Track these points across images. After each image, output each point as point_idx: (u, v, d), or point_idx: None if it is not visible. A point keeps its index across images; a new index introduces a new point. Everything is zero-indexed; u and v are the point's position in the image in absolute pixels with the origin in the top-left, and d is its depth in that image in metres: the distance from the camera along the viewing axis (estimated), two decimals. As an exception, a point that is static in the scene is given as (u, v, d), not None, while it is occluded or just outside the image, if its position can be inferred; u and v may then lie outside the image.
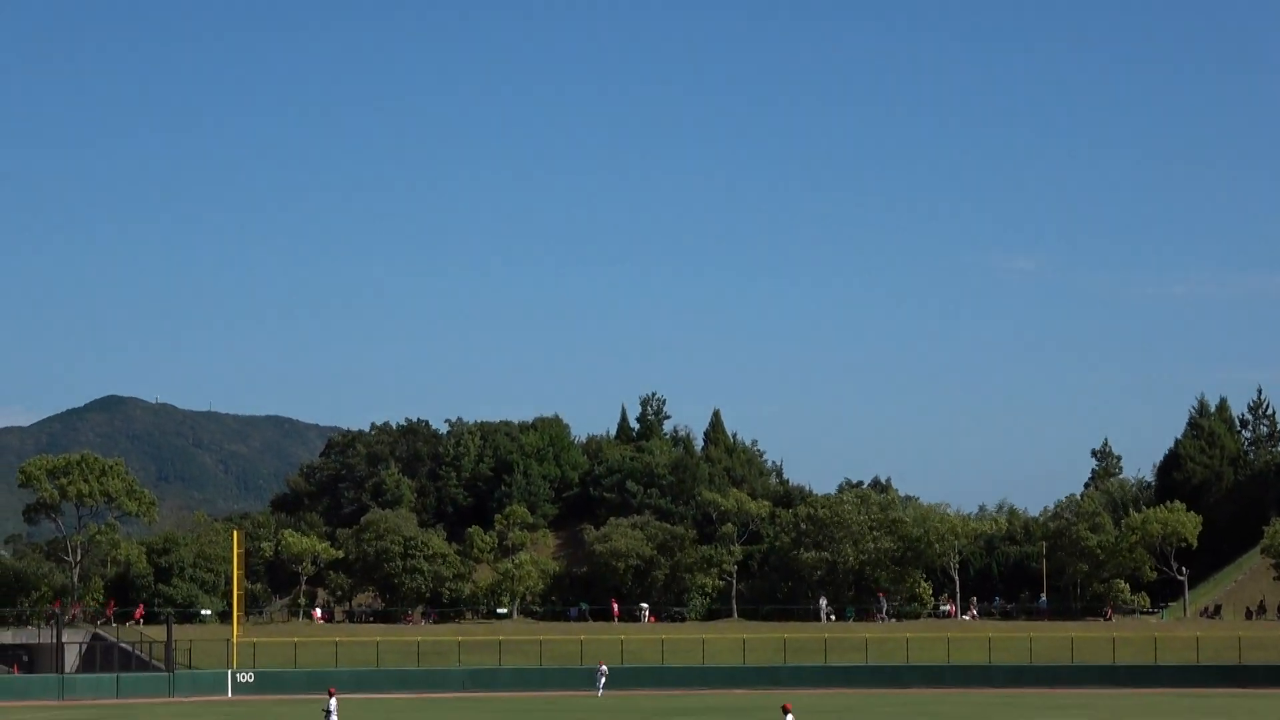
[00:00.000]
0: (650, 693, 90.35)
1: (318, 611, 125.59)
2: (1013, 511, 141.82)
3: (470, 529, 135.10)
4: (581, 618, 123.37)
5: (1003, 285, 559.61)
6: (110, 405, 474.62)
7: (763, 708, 74.20)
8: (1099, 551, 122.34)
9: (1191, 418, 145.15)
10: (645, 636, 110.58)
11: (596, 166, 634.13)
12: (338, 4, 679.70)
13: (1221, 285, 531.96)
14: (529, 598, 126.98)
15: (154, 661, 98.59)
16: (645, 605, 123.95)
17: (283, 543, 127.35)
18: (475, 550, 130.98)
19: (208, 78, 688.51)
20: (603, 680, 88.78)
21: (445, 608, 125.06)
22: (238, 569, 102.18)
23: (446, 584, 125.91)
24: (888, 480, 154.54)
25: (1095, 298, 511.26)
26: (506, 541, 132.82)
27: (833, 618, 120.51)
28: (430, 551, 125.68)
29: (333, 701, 49.27)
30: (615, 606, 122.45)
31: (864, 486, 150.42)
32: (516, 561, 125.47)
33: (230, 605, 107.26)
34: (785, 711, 38.16)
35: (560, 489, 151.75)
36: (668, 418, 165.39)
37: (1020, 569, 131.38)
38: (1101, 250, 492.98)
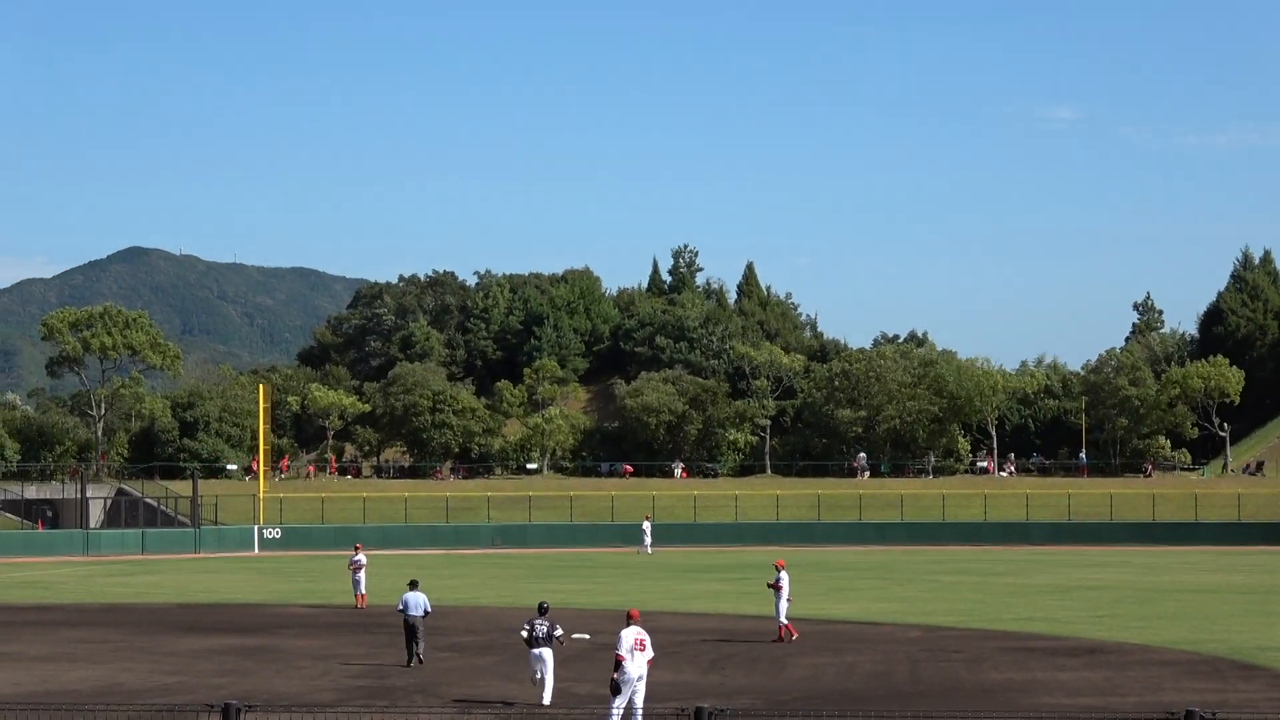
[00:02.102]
0: (684, 549, 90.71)
1: (327, 460, 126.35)
2: (1053, 366, 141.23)
3: (499, 383, 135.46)
4: (613, 474, 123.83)
5: (1043, 136, 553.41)
6: (133, 257, 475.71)
7: (796, 564, 74.38)
8: (1139, 405, 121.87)
9: (1235, 270, 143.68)
10: (678, 493, 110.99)
11: (627, 5, 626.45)
12: None
13: (1265, 135, 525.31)
14: (559, 453, 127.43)
15: (179, 517, 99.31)
16: (677, 463, 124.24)
17: (309, 397, 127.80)
18: (504, 405, 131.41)
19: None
20: (648, 538, 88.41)
21: (474, 463, 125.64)
22: (263, 423, 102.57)
23: (475, 439, 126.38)
24: (924, 334, 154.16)
25: (1137, 148, 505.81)
26: (536, 396, 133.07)
27: (868, 474, 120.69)
28: (459, 406, 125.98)
29: (360, 557, 49.41)
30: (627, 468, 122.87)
31: (900, 341, 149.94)
32: (546, 416, 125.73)
33: (256, 460, 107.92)
34: (778, 569, 37.92)
35: (591, 343, 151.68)
36: (700, 270, 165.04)
37: (1059, 425, 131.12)
38: (1143, 100, 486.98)
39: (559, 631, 27.50)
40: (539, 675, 26.91)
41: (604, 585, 59.98)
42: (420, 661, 33.42)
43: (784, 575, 37.95)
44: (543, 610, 28.08)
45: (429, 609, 34.32)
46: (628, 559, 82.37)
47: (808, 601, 51.34)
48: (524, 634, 27.30)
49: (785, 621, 37.66)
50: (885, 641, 37.90)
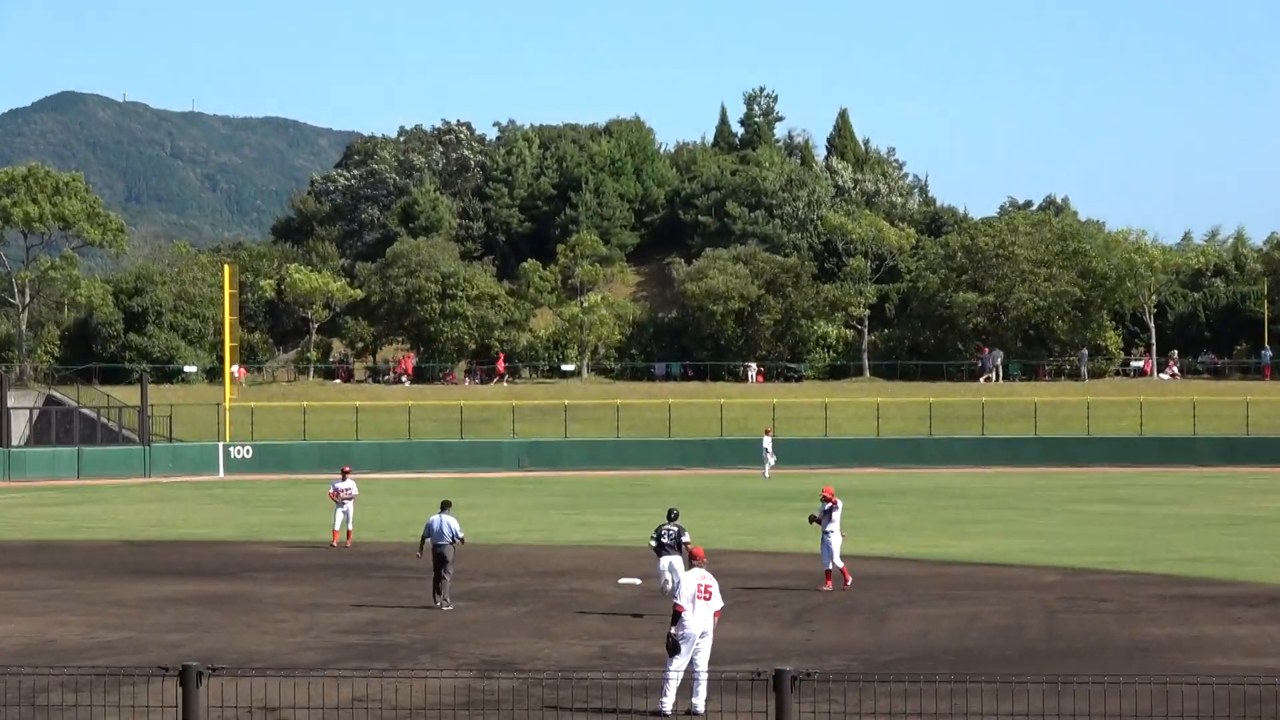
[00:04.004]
0: (760, 471, 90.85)
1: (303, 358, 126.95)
2: (1229, 241, 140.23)
3: (527, 264, 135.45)
4: (669, 377, 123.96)
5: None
6: (65, 104, 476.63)
7: (902, 490, 74.47)
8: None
9: None
10: (751, 400, 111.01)
11: None
12: None
13: None
14: (602, 351, 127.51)
15: (125, 432, 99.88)
16: (750, 364, 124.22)
17: (287, 280, 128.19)
18: (533, 291, 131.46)
19: None
20: (770, 458, 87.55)
21: (495, 364, 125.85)
22: (229, 314, 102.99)
23: (497, 333, 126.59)
24: (1064, 201, 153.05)
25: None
26: (573, 280, 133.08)
27: (993, 377, 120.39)
28: (476, 292, 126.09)
29: (348, 484, 49.15)
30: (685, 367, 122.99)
31: (1034, 209, 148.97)
32: (586, 305, 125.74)
33: (220, 361, 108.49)
34: (825, 499, 37.71)
35: (642, 212, 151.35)
36: (780, 120, 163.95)
37: (1235, 314, 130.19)
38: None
39: (687, 537, 33.18)
40: (669, 585, 31.70)
41: (658, 517, 60.18)
42: (447, 604, 34.01)
43: (834, 506, 37.67)
44: (672, 516, 34.16)
45: (460, 535, 34.68)
46: (686, 483, 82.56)
47: (917, 537, 51.37)
48: (652, 543, 33.74)
49: (840, 564, 37.56)
50: (1014, 587, 37.87)
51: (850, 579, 37.66)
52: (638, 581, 34.23)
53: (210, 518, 62.37)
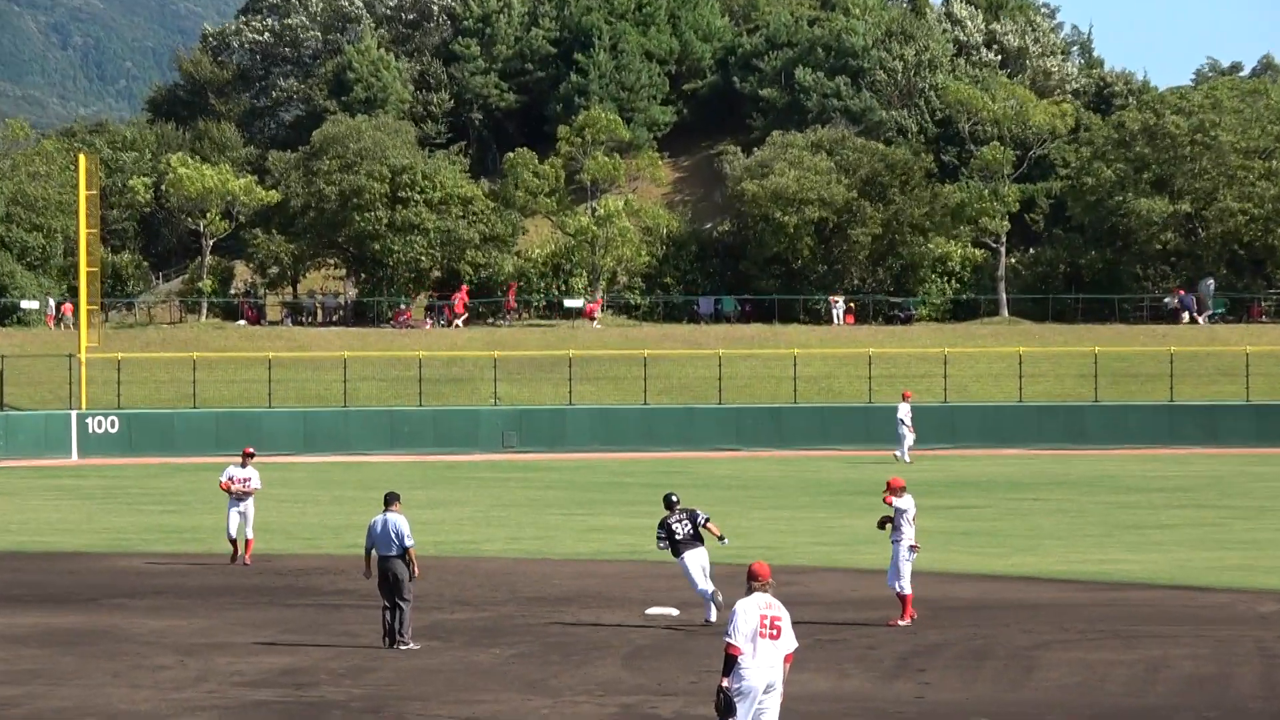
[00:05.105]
0: (849, 450, 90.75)
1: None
2: None
3: (514, 154, 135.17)
4: (719, 317, 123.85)
5: None
6: None
7: (1055, 480, 74.29)
8: None
9: None
10: (837, 351, 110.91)
11: None
12: None
13: None
14: (624, 281, 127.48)
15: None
16: (836, 299, 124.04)
17: (170, 178, 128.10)
18: (523, 194, 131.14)
19: None
20: (909, 433, 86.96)
21: (470, 299, 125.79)
22: (87, 227, 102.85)
23: (469, 255, 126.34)
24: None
25: None
26: (581, 177, 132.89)
27: (1188, 315, 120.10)
28: (440, 194, 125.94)
29: (248, 470, 48.67)
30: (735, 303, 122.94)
31: (1242, 75, 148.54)
32: (600, 214, 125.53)
33: (73, 294, 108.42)
34: (892, 488, 37.59)
35: (679, 78, 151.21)
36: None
37: None
38: None
39: (703, 517, 36.26)
40: (700, 585, 35.32)
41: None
42: (403, 642, 33.89)
43: (905, 503, 37.54)
44: (672, 504, 36.51)
45: (408, 541, 34.26)
46: (743, 469, 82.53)
47: (1075, 548, 51.24)
48: (661, 543, 36.27)
49: (907, 589, 37.33)
50: (1216, 621, 37.76)
51: (913, 615, 37.35)
52: (674, 612, 34.02)
53: (59, 519, 62.42)
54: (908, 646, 34.89)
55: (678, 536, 35.37)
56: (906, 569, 37.43)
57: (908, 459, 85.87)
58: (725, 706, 22.73)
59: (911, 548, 37.30)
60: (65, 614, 39.95)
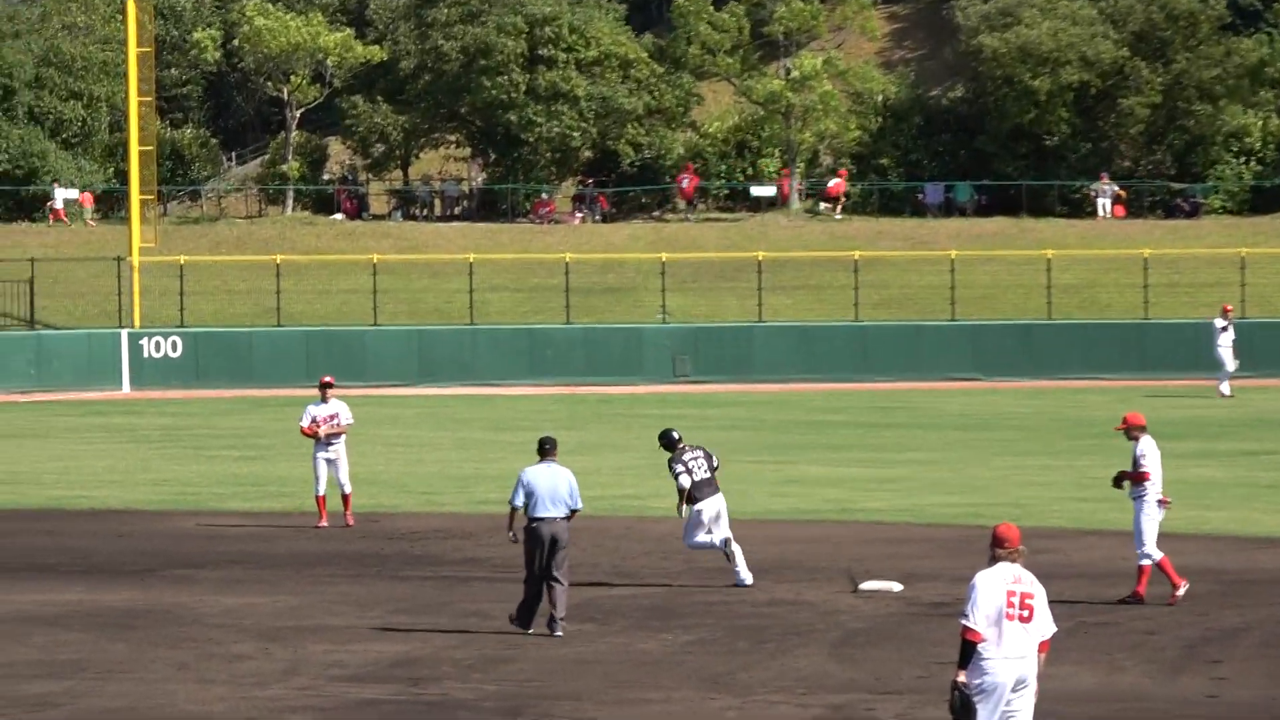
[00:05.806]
0: (1123, 382, 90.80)
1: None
2: None
3: (683, 1, 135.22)
4: (951, 209, 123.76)
5: None
6: None
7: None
8: None
9: None
10: (1105, 253, 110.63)
11: None
12: None
13: None
14: (827, 163, 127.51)
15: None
16: (1102, 186, 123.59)
17: (245, 30, 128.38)
18: (696, 50, 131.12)
19: None
20: (1228, 358, 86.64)
21: (625, 186, 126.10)
22: (138, 94, 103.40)
23: (630, 130, 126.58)
24: None
25: None
26: (769, 28, 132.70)
27: None
28: (593, 53, 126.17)
29: (333, 405, 48.73)
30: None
31: None
32: (796, 76, 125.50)
33: (122, 181, 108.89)
34: (1129, 428, 37.23)
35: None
36: None
37: None
38: None
39: (717, 460, 37.84)
40: (713, 540, 36.82)
41: (929, 471, 60.08)
42: (558, 628, 33.88)
43: (1147, 445, 37.24)
44: (674, 442, 37.91)
45: (578, 503, 34.15)
46: (982, 402, 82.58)
47: None
48: (681, 478, 37.05)
49: (1156, 553, 37.00)
50: None
51: (1183, 586, 36.96)
52: (896, 587, 33.99)
53: (106, 468, 62.94)
54: (1197, 631, 34.74)
55: (700, 477, 35.89)
56: (1152, 530, 37.12)
57: (1227, 391, 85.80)
58: (962, 707, 22.51)
59: (1161, 502, 37.03)
60: (115, 589, 40.18)
